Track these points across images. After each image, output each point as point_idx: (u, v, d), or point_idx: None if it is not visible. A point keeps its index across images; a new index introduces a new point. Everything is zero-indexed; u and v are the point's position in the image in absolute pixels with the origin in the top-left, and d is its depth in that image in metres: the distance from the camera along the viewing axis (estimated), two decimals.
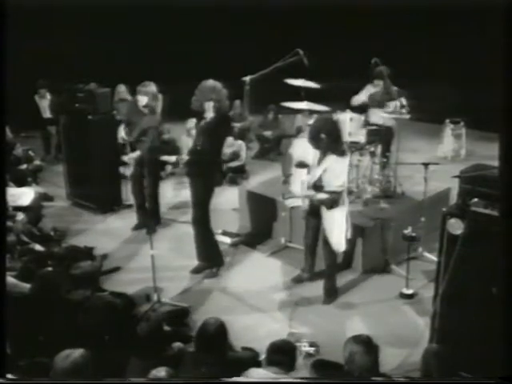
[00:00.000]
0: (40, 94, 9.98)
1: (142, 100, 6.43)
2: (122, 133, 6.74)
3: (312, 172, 5.06)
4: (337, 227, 5.07)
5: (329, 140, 4.95)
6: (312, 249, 5.48)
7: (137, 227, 6.87)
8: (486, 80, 6.46)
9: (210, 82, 5.34)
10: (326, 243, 5.17)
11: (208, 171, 5.48)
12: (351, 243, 5.47)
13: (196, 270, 5.84)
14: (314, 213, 5.20)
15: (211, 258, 5.85)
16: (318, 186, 5.03)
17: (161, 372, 3.24)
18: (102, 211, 7.41)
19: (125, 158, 6.85)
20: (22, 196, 6.66)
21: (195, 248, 5.79)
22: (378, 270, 5.85)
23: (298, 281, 5.62)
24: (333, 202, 4.99)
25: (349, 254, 5.72)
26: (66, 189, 7.85)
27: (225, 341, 3.70)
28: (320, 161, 5.03)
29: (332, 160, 4.98)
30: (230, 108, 5.58)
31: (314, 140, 5.01)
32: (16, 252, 5.62)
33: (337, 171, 4.96)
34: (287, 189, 6.21)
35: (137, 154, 6.55)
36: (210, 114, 5.33)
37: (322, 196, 4.99)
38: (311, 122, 5.40)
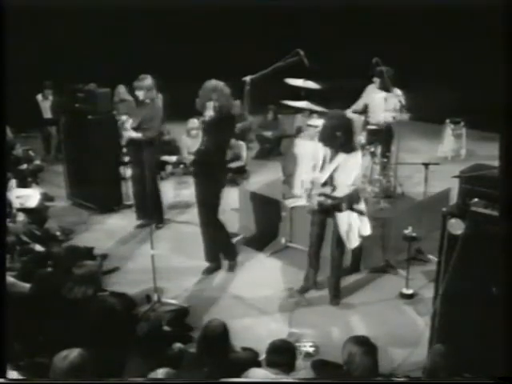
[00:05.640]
0: (44, 95, 10.01)
1: (140, 95, 6.46)
2: (127, 127, 6.73)
3: (323, 171, 4.97)
4: (351, 224, 5.01)
5: (344, 138, 4.84)
6: (316, 248, 5.33)
7: (139, 226, 6.91)
8: (486, 80, 6.47)
9: (212, 82, 5.29)
10: (339, 242, 5.09)
11: (213, 172, 5.46)
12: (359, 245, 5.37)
13: (208, 271, 5.85)
14: (323, 210, 5.10)
15: (228, 254, 5.92)
16: (328, 184, 4.95)
17: (158, 375, 3.23)
18: (101, 211, 7.41)
19: (125, 134, 6.81)
20: (29, 198, 6.69)
21: (205, 249, 5.81)
22: (378, 270, 5.85)
23: (303, 290, 5.47)
24: (342, 204, 4.94)
25: (357, 255, 5.73)
26: (66, 189, 7.86)
27: (227, 343, 3.70)
28: (331, 159, 4.94)
29: (343, 158, 4.88)
30: (233, 108, 5.52)
31: (329, 138, 4.89)
32: (16, 252, 5.62)
33: (348, 169, 4.86)
34: (288, 189, 6.22)
35: (137, 135, 6.52)
36: (209, 113, 5.26)
37: (331, 201, 4.93)
38: (323, 120, 5.26)
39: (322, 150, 4.99)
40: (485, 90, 6.84)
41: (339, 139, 4.84)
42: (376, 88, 7.00)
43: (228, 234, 5.92)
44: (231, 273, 5.87)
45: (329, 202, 4.94)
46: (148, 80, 6.43)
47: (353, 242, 5.10)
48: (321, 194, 4.95)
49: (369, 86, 7.22)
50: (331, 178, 4.93)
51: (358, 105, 7.20)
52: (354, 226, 5.04)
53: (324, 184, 4.95)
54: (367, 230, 5.10)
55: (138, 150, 6.63)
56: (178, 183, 8.09)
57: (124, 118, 7.02)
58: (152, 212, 6.66)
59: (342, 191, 4.91)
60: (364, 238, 5.32)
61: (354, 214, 5.01)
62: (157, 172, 7.00)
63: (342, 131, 4.83)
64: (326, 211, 5.09)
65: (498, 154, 3.22)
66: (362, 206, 5.09)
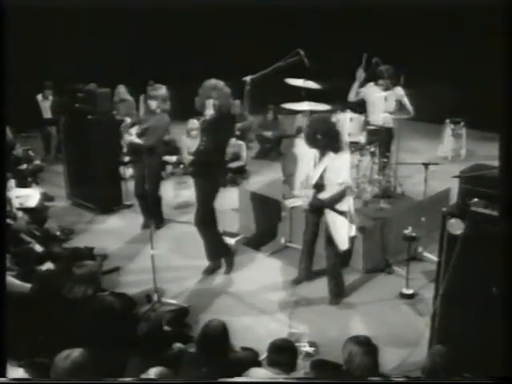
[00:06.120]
0: (44, 95, 10.02)
1: (152, 104, 6.47)
2: (132, 132, 6.71)
3: (313, 171, 5.06)
4: (340, 225, 5.05)
5: (326, 140, 4.94)
6: (310, 245, 5.44)
7: (144, 226, 6.87)
8: (486, 80, 6.47)
9: (212, 81, 5.30)
10: (330, 242, 5.13)
11: (212, 171, 5.45)
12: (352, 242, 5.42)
13: (208, 271, 5.85)
14: (315, 210, 5.19)
15: (222, 254, 5.89)
16: (319, 185, 5.02)
17: (150, 375, 3.23)
18: (101, 211, 7.41)
19: (127, 138, 6.81)
20: (29, 198, 6.69)
21: (204, 249, 5.78)
22: (378, 270, 5.85)
23: (297, 282, 5.60)
24: (332, 203, 4.99)
25: (347, 252, 5.72)
26: (66, 189, 7.87)
27: (227, 342, 3.70)
28: (320, 159, 5.04)
29: (331, 158, 4.98)
30: (233, 107, 5.53)
31: (310, 141, 5.01)
32: (16, 252, 5.61)
33: (337, 169, 4.95)
34: (288, 189, 6.22)
35: (139, 141, 6.52)
36: (209, 112, 5.26)
37: (320, 200, 5.00)
38: (306, 122, 5.39)
39: (313, 150, 5.08)
40: (485, 90, 6.84)
41: (320, 142, 4.94)
42: (380, 89, 6.94)
43: (220, 236, 5.91)
44: (227, 275, 5.86)
45: (317, 202, 5.01)
46: (163, 90, 6.45)
47: (343, 244, 5.11)
48: (306, 196, 5.05)
49: (368, 83, 7.18)
50: (321, 178, 5.01)
51: (353, 95, 7.07)
52: (344, 228, 5.07)
53: (315, 185, 5.02)
54: (353, 231, 5.14)
55: (139, 152, 6.62)
56: (177, 183, 8.09)
57: (128, 120, 7.00)
58: (152, 212, 6.66)
59: (331, 191, 4.97)
60: (363, 238, 5.33)
61: (343, 217, 5.05)
62: (158, 174, 6.99)
63: (322, 134, 4.93)
64: (318, 211, 5.13)
65: (498, 154, 3.22)
66: (351, 206, 5.09)
